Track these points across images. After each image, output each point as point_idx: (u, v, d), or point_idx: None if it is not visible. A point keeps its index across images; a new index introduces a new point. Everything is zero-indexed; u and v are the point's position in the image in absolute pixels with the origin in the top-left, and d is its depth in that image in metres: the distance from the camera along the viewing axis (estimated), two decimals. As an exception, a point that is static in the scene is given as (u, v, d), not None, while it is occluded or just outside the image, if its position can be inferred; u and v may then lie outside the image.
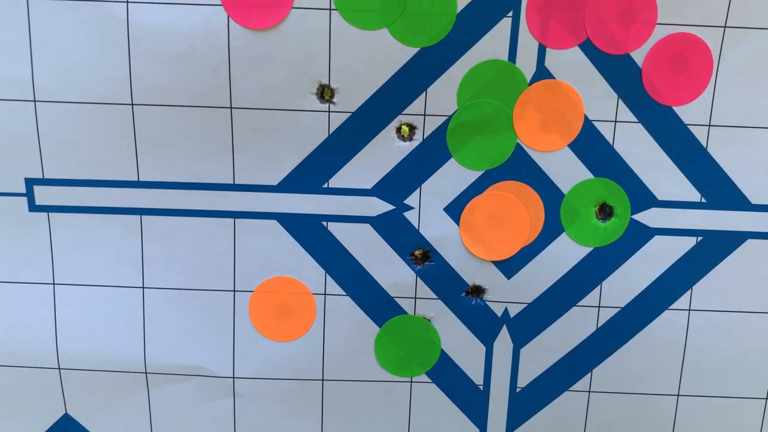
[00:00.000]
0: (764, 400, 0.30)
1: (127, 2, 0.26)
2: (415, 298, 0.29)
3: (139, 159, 0.28)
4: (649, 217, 0.28)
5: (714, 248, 0.29)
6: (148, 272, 0.29)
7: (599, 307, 0.29)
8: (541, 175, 0.28)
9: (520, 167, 0.28)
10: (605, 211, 0.29)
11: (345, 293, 0.29)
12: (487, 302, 0.29)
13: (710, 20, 0.26)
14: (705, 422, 0.30)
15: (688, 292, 0.29)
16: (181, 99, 0.27)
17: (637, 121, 0.28)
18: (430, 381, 0.30)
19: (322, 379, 0.30)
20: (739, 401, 0.30)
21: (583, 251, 0.29)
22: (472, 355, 0.30)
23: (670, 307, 0.29)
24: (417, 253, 0.29)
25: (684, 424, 0.30)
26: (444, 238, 0.29)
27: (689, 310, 0.29)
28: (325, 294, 0.29)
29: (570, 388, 0.30)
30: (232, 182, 0.28)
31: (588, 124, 0.28)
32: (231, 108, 0.27)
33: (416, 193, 0.29)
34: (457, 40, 0.27)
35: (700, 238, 0.29)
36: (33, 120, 0.27)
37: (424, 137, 0.28)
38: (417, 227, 0.29)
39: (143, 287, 0.29)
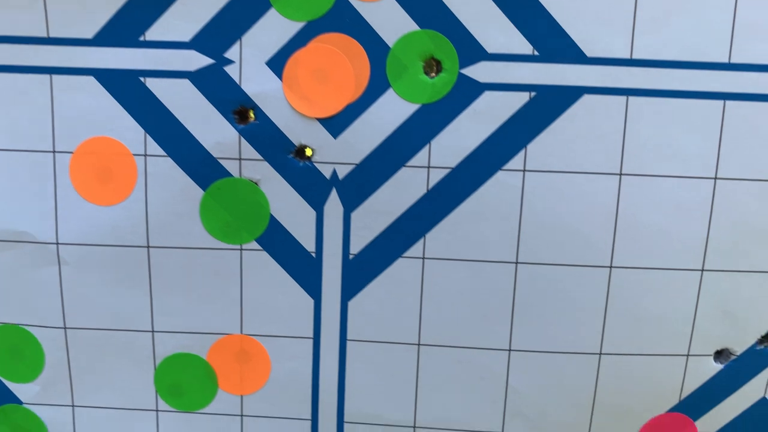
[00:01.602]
0: (608, 268, 0.30)
1: None
2: (240, 159, 0.29)
3: (-54, 9, 0.28)
4: (479, 72, 0.28)
5: (548, 104, 0.29)
6: (-33, 134, 0.29)
7: (429, 167, 0.29)
8: (365, 27, 0.28)
9: (344, 18, 0.28)
10: (433, 66, 0.28)
11: (166, 154, 0.29)
12: (314, 163, 0.29)
13: None
14: (542, 288, 0.30)
15: (522, 151, 0.29)
16: (-20, -59, 0.27)
17: (462, -34, 0.27)
18: (261, 249, 0.30)
19: (147, 246, 0.30)
20: (583, 269, 0.30)
21: (411, 108, 0.29)
22: (303, 220, 0.30)
23: (503, 167, 0.29)
24: (239, 110, 0.29)
25: (523, 290, 0.30)
26: (267, 94, 0.29)
27: (524, 170, 0.29)
28: (145, 155, 0.30)
29: (403, 255, 0.30)
30: (45, 35, 0.28)
31: (410, -31, 0.27)
32: (34, -49, 0.27)
33: (236, 45, 0.29)
34: None
35: (533, 94, 0.28)
36: None
37: (242, -15, 0.28)
38: (238, 83, 0.29)
39: (-39, 149, 0.30)
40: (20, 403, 0.33)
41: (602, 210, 0.30)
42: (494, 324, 0.31)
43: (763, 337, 0.32)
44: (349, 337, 0.32)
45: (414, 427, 0.33)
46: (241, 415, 0.33)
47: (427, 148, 0.30)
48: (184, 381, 0.32)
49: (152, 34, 0.29)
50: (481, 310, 0.31)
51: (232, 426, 0.33)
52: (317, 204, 0.31)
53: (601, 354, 0.31)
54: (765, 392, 0.33)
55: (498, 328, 0.31)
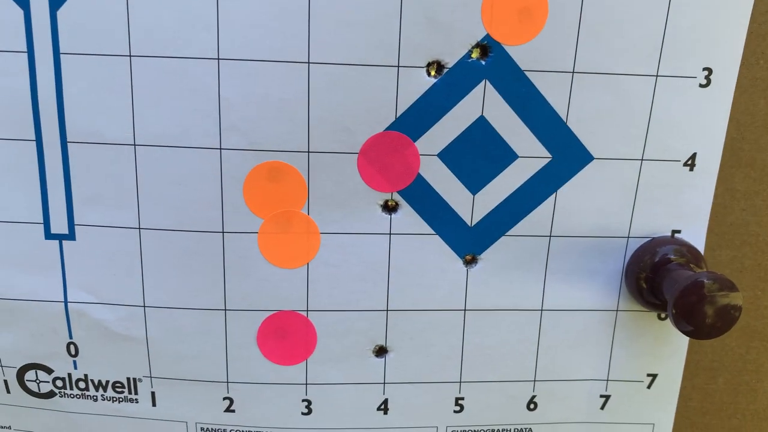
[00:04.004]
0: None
1: None
2: None
3: None
4: None
5: None
6: None
7: None
8: None
9: None
10: None
11: None
12: None
13: None
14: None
15: None
16: None
17: None
18: (-35, -45, 0.31)
19: None
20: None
21: None
22: None
23: None
24: None
25: None
26: None
27: None
28: None
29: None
30: None
31: None
32: None
33: None
34: None
35: None
36: None
37: None
38: None
39: None
40: None
41: None
42: (201, 33, 0.32)
43: (474, 47, 0.33)
44: (62, 51, 0.33)
45: (134, 145, 0.34)
46: (-32, 137, 0.34)
47: None
48: None
49: None
50: (186, 13, 0.32)
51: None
52: None
53: (309, 63, 0.32)
54: (482, 110, 0.34)
55: (205, 37, 0.32)
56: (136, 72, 0.33)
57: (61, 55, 0.33)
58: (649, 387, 0.40)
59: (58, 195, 0.35)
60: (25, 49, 0.33)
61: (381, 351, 0.38)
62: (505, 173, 0.35)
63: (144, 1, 0.32)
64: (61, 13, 0.33)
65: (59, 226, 0.36)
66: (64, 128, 0.34)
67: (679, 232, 0.37)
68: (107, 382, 0.38)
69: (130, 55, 0.33)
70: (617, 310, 0.38)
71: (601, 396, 0.40)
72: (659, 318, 0.38)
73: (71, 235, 0.36)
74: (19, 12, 0.33)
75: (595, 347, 0.39)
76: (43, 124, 0.34)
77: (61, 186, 0.35)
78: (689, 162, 0.36)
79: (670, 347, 0.39)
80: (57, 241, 0.36)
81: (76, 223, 0.36)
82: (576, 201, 0.36)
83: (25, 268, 0.36)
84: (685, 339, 0.39)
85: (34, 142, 0.34)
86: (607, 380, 0.40)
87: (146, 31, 0.32)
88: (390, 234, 0.36)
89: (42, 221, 0.36)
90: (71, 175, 0.35)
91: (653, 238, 0.37)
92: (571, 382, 0.39)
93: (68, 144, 0.34)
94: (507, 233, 0.36)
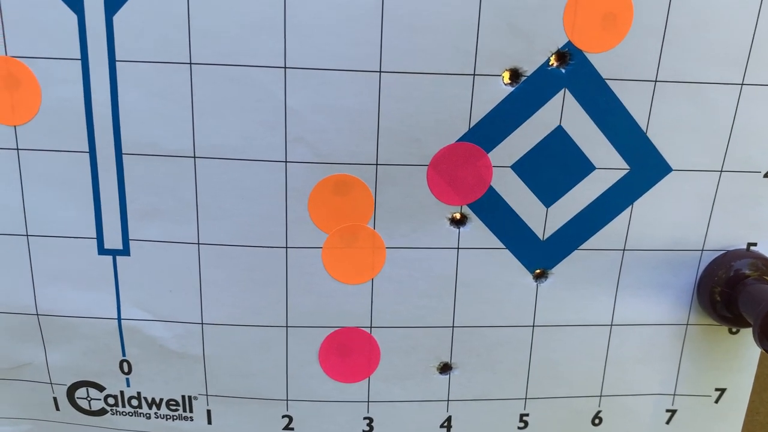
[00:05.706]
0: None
1: None
2: None
3: None
4: None
5: None
6: None
7: None
8: None
9: None
10: None
11: None
12: None
13: None
14: None
15: None
16: None
17: None
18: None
19: None
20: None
21: None
22: None
23: None
24: None
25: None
26: None
27: None
28: None
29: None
30: None
31: None
32: None
33: None
34: None
35: None
36: None
37: None
38: None
39: None
40: None
41: None
42: (267, 40, 0.30)
43: (554, 54, 0.31)
44: (118, 58, 0.31)
45: (194, 157, 0.32)
46: (17, 149, 0.33)
47: None
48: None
49: None
50: (251, 19, 0.30)
51: (7, 162, 0.33)
52: None
53: (381, 72, 0.31)
54: (560, 119, 0.32)
55: (272, 44, 0.30)
56: (196, 80, 0.31)
57: (116, 63, 0.31)
58: (716, 401, 0.39)
59: (112, 209, 0.33)
60: (79, 57, 0.31)
61: (445, 368, 0.37)
62: (581, 185, 0.34)
63: (206, 6, 0.30)
64: (117, 19, 0.31)
65: (113, 241, 0.34)
66: (119, 139, 0.32)
67: (755, 244, 0.36)
68: (161, 399, 0.37)
69: (190, 63, 0.31)
70: (687, 324, 0.37)
71: (668, 410, 0.39)
72: (730, 332, 0.37)
73: (125, 251, 0.34)
74: (73, 17, 0.31)
75: (663, 361, 0.38)
76: (97, 135, 0.32)
77: (116, 200, 0.33)
78: (770, 172, 0.34)
79: (740, 361, 0.38)
80: (111, 257, 0.34)
81: (130, 238, 0.34)
82: (651, 214, 0.34)
83: (77, 284, 0.35)
84: (757, 353, 0.38)
85: (88, 154, 0.33)
86: (674, 395, 0.38)
87: (208, 38, 0.31)
88: (458, 248, 0.34)
89: (95, 236, 0.34)
90: (126, 189, 0.33)
91: (727, 251, 0.36)
92: (637, 397, 0.38)
93: (123, 156, 0.33)
94: (580, 247, 0.35)
